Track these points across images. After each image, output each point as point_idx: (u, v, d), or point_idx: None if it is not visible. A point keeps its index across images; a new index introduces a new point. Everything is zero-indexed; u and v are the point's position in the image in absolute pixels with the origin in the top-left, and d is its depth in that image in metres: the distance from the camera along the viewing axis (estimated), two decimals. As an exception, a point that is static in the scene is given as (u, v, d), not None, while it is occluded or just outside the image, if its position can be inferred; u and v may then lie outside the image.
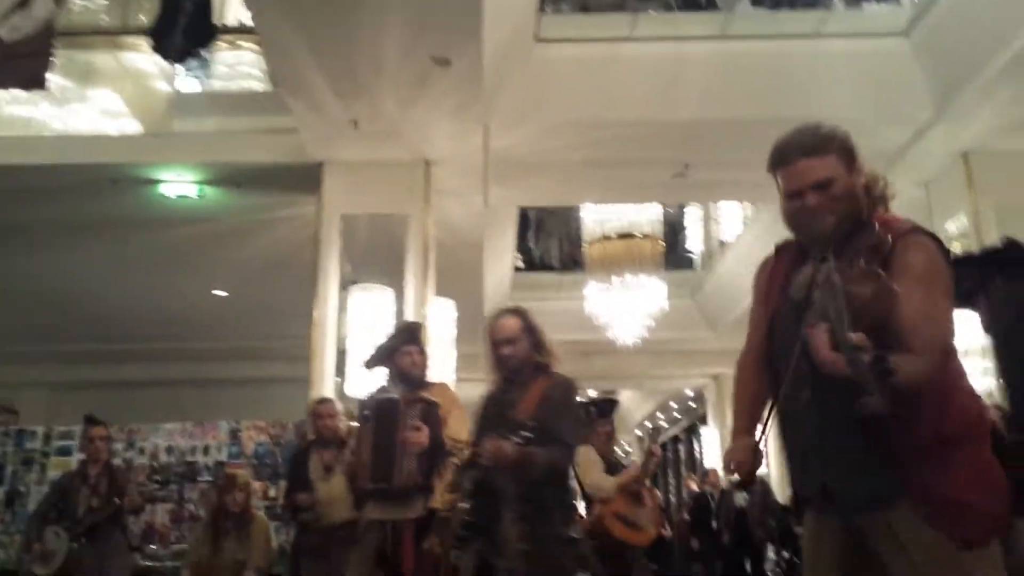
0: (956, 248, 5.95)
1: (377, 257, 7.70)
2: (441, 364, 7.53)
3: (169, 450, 7.62)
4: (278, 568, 5.88)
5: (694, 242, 13.59)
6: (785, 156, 2.01)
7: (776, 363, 2.04)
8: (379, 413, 4.07)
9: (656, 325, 9.78)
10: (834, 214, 1.95)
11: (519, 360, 3.18)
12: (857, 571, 1.96)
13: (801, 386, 1.91)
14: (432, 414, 4.01)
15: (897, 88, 6.12)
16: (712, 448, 14.54)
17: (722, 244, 12.12)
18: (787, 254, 2.15)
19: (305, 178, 6.55)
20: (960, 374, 1.98)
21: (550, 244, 15.06)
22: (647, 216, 9.29)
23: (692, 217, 13.57)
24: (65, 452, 7.97)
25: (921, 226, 1.99)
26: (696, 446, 17.40)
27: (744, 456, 2.03)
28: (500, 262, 10.14)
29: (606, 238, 9.28)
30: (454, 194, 7.19)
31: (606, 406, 5.66)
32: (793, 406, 1.97)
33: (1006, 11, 5.06)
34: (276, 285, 8.72)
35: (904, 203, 2.17)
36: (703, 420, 14.72)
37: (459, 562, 3.06)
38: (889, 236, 1.93)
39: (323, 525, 4.93)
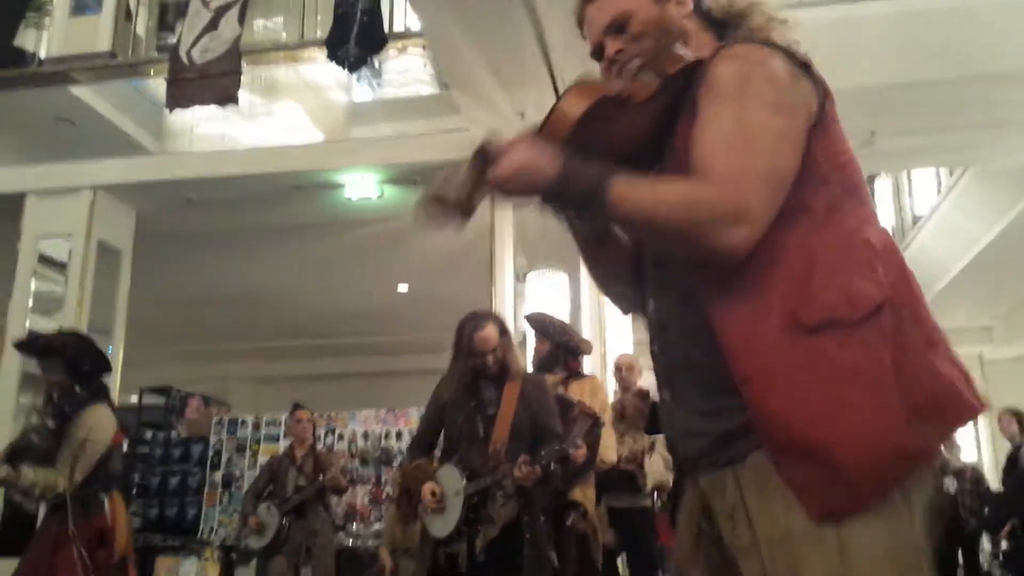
0: None
1: (550, 245, 7.78)
2: (618, 348, 7.50)
3: (365, 436, 8.01)
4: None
5: (885, 217, 12.82)
6: (577, 8, 1.54)
7: None
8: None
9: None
10: (641, 57, 1.44)
11: (498, 364, 3.37)
12: (717, 567, 1.35)
13: (646, 289, 1.46)
14: (595, 434, 3.97)
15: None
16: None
17: (916, 218, 11.34)
18: None
19: (477, 172, 6.70)
20: (851, 223, 1.29)
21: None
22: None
23: (881, 190, 12.79)
24: (273, 439, 8.56)
25: (761, 40, 1.42)
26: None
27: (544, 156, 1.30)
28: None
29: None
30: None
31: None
32: (646, 322, 1.47)
33: None
34: (455, 278, 8.98)
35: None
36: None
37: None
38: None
39: None
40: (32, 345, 3.79)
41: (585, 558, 3.99)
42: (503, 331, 3.39)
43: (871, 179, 12.49)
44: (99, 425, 3.59)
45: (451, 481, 3.27)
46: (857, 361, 1.19)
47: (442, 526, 3.23)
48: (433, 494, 3.27)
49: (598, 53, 1.50)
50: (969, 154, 7.16)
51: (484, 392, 3.36)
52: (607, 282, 1.60)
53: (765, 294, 1.24)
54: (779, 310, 1.23)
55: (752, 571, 1.23)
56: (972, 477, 8.12)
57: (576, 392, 4.21)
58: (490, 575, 3.12)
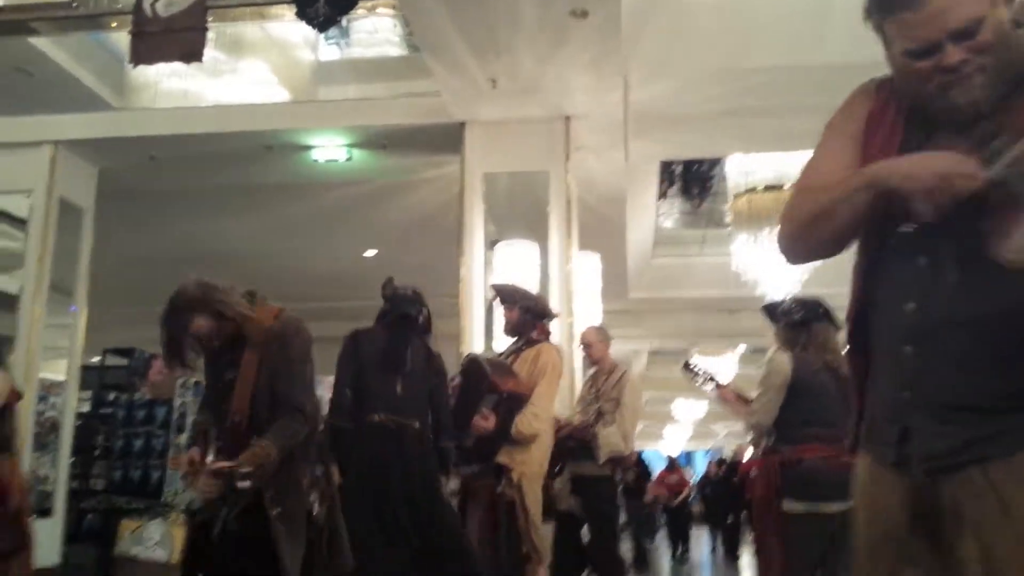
0: None
1: (520, 214, 7.78)
2: (587, 318, 7.54)
3: (329, 402, 8.01)
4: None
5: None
6: None
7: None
8: (465, 378, 4.34)
9: (809, 280, 9.40)
10: (984, 73, 1.35)
11: (208, 330, 2.86)
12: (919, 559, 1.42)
13: (920, 291, 1.41)
14: (508, 409, 4.14)
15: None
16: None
17: (880, 193, 11.44)
18: (893, 101, 1.51)
19: (448, 138, 6.67)
20: None
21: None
22: (796, 165, 8.88)
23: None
24: (236, 404, 8.54)
25: None
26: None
27: (967, 162, 1.31)
28: (642, 218, 10.01)
29: (752, 191, 8.95)
30: (594, 150, 7.13)
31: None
32: (895, 313, 1.45)
33: None
34: (423, 244, 8.96)
35: None
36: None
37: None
38: None
39: None
40: None
41: (511, 526, 4.04)
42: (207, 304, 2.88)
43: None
44: None
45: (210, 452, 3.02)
46: None
47: (196, 496, 3.03)
48: (191, 462, 3.02)
49: (927, 53, 1.36)
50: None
51: (223, 355, 2.95)
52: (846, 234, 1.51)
53: None
54: None
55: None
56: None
57: (522, 362, 4.30)
58: (239, 549, 2.84)
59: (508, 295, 4.61)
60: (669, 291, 12.08)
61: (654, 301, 12.39)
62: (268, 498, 2.81)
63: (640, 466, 11.85)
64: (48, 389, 7.67)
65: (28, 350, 6.81)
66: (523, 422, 4.12)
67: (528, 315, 4.46)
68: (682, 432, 26.22)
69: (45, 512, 6.78)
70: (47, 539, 6.27)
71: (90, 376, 9.04)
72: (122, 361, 10.04)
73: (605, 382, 5.12)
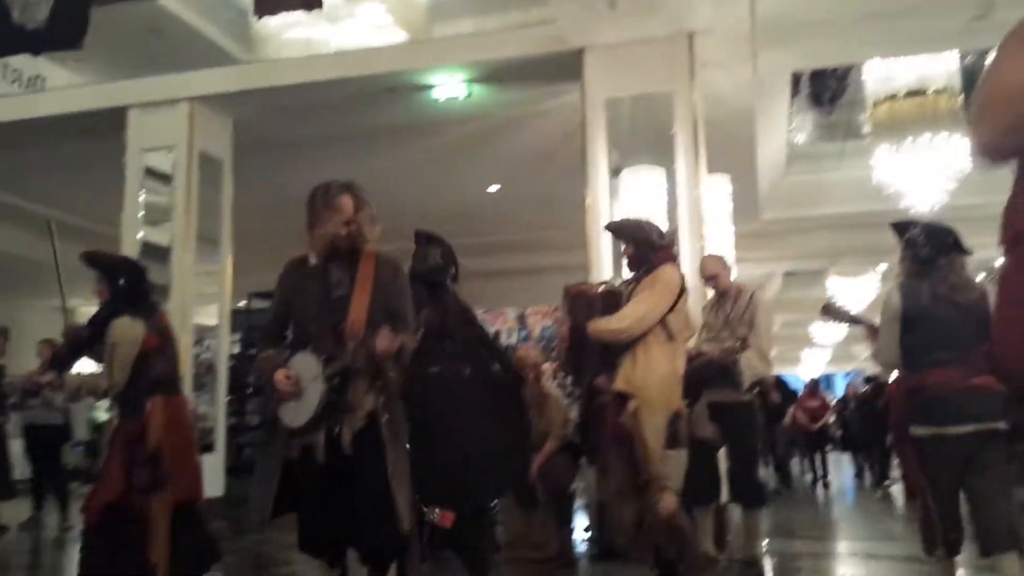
0: None
1: (644, 139, 7.59)
2: (717, 242, 7.36)
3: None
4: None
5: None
6: None
7: None
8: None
9: (958, 189, 8.82)
10: None
11: (350, 239, 3.14)
12: None
13: None
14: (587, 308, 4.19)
15: None
16: None
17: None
18: None
19: (567, 66, 6.54)
20: None
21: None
22: (940, 68, 8.26)
23: (999, 63, 11.87)
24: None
25: None
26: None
27: None
28: (773, 134, 9.59)
29: (892, 98, 8.40)
30: (720, 65, 6.83)
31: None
32: None
33: None
34: (546, 176, 8.90)
35: None
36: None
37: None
38: None
39: None
40: (87, 258, 4.15)
41: (631, 454, 3.93)
42: (360, 204, 3.19)
43: (983, 54, 11.59)
44: (123, 331, 3.99)
45: (307, 367, 3.02)
46: None
47: (297, 415, 3.02)
48: (288, 378, 3.03)
49: None
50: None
51: (332, 274, 3.14)
52: None
53: None
54: None
55: None
56: None
57: (639, 288, 4.15)
58: (356, 465, 2.97)
59: (620, 232, 4.49)
60: (804, 209, 11.59)
61: (788, 221, 11.93)
62: (379, 405, 3.02)
63: (782, 389, 11.57)
64: (202, 333, 8.14)
65: (181, 297, 7.22)
66: (595, 321, 4.03)
67: (642, 247, 4.32)
68: (821, 355, 25.45)
69: (207, 447, 7.25)
70: (210, 472, 6.69)
71: (239, 319, 9.52)
72: (266, 304, 10.52)
73: (734, 306, 4.95)
